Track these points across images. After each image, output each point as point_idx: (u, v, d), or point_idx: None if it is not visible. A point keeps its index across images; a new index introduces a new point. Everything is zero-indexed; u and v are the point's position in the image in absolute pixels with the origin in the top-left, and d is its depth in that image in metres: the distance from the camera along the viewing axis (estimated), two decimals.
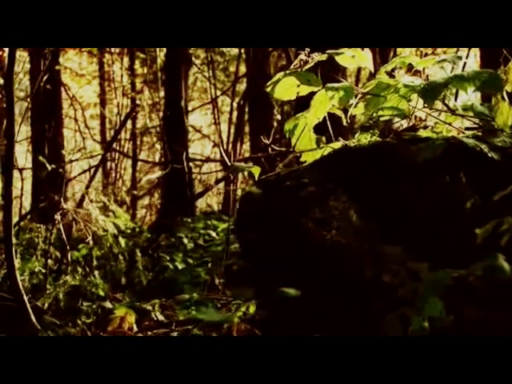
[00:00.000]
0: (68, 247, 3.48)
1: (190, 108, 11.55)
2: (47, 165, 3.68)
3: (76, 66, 12.51)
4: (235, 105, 11.15)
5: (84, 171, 4.93)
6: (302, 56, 2.02)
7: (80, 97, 11.75)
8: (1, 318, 3.38)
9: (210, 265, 5.59)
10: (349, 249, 1.73)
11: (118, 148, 10.25)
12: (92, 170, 4.29)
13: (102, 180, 10.74)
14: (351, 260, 1.72)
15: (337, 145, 2.17)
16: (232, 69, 11.83)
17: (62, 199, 3.56)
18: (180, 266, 5.35)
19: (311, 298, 1.72)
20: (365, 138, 1.94)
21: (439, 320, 1.16)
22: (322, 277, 1.73)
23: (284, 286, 1.67)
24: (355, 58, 2.07)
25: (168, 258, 5.53)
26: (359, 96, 2.12)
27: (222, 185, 12.08)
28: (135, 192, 9.95)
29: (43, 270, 3.40)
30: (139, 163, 11.82)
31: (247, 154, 12.15)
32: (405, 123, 2.05)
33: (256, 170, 2.31)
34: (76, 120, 8.31)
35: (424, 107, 1.94)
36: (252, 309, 2.38)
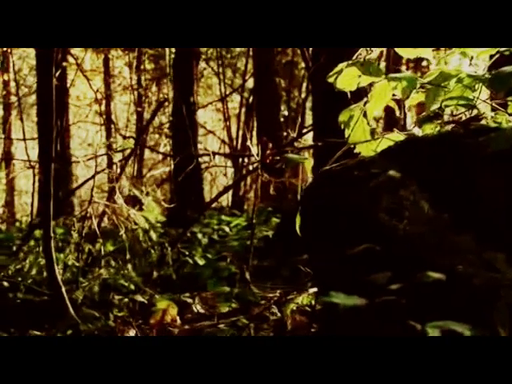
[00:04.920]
0: (101, 240, 3.47)
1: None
2: (80, 160, 3.66)
3: (79, 61, 12.47)
4: (243, 101, 11.16)
5: (110, 165, 4.91)
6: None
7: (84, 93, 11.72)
8: (38, 311, 3.38)
9: (229, 260, 5.59)
10: (422, 239, 1.72)
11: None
12: (116, 164, 4.27)
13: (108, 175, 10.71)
14: (424, 250, 1.71)
15: (394, 136, 2.17)
16: (239, 64, 11.82)
17: (93, 192, 3.55)
18: (200, 261, 5.34)
19: (381, 291, 1.72)
20: (430, 129, 1.94)
21: None
22: (394, 268, 1.72)
23: (354, 279, 1.67)
24: (416, 49, 2.07)
25: (187, 252, 5.53)
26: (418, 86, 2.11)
27: (229, 180, 12.05)
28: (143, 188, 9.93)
29: (76, 264, 3.39)
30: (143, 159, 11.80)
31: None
32: (465, 113, 2.05)
33: (308, 163, 2.30)
34: (101, 114, 8.28)
35: (491, 98, 1.93)
36: (306, 300, 2.38)
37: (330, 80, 2.06)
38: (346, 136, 2.29)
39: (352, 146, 2.33)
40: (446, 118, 2.13)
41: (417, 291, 1.29)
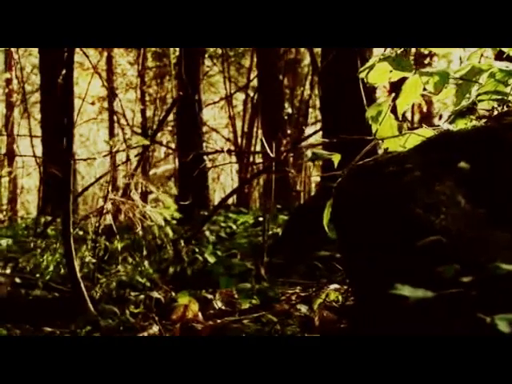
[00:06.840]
0: (117, 237, 3.46)
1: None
2: (96, 156, 3.65)
3: (80, 58, 12.43)
4: (247, 99, 11.14)
5: (124, 162, 4.91)
6: None
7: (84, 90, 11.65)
8: (51, 308, 3.37)
9: (239, 257, 5.58)
10: (459, 234, 1.71)
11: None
12: (128, 161, 4.25)
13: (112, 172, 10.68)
14: (462, 246, 1.70)
15: (423, 131, 2.16)
16: (243, 62, 11.80)
17: (109, 189, 3.53)
18: (210, 258, 5.33)
19: (418, 287, 1.70)
20: (464, 124, 1.93)
21: None
22: (432, 264, 1.71)
23: (391, 275, 1.67)
24: None
25: (197, 249, 5.51)
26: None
27: (235, 178, 12.03)
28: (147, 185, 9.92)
29: (93, 260, 3.38)
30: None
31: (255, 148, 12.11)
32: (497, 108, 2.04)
33: (336, 158, 2.29)
34: (113, 111, 8.26)
35: None
36: (333, 296, 2.38)
37: (362, 75, 2.05)
38: (374, 131, 2.29)
39: (375, 142, 2.32)
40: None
41: (484, 284, 1.28)
